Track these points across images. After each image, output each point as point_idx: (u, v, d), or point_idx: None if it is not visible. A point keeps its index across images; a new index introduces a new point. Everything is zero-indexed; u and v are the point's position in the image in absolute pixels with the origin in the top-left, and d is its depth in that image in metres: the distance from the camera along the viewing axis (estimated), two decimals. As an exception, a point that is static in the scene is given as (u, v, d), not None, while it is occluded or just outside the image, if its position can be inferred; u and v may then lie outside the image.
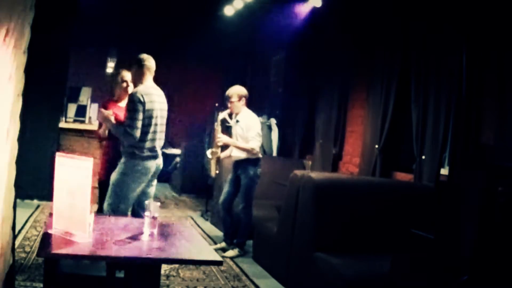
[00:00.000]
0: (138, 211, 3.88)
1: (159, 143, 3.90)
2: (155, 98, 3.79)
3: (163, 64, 9.28)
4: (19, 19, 2.42)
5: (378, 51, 5.38)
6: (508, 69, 3.71)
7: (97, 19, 8.09)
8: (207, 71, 10.31)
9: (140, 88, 3.77)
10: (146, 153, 3.77)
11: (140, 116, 3.68)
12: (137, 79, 3.86)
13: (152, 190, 4.00)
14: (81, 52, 8.44)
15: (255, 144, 4.78)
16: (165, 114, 3.97)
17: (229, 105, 4.90)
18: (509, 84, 3.69)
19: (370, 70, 5.53)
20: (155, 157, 3.86)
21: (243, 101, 4.89)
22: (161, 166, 3.96)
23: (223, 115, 4.95)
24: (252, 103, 8.30)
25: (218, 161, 5.12)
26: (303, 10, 6.88)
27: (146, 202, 3.89)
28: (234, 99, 4.85)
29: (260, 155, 4.93)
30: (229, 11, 7.62)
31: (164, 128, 3.96)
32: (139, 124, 3.68)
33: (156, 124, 3.81)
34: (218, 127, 4.95)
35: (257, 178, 4.88)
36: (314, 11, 6.63)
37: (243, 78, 9.34)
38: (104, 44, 9.30)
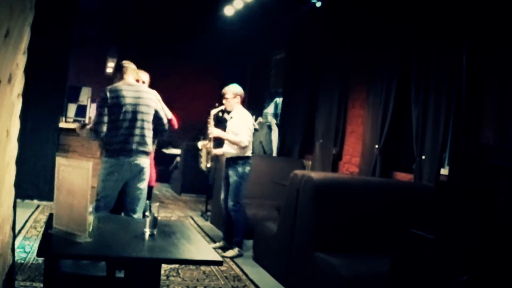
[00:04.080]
0: (130, 215, 3.88)
1: (136, 139, 3.81)
2: (123, 94, 3.78)
3: (162, 64, 9.43)
4: (19, 19, 2.42)
5: (378, 51, 5.38)
6: (508, 69, 3.71)
7: (97, 18, 8.11)
8: (206, 71, 10.32)
9: (110, 85, 3.87)
10: (115, 148, 3.76)
11: (105, 111, 3.74)
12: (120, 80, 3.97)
13: (140, 193, 3.90)
14: (81, 52, 8.45)
15: (244, 137, 4.82)
16: (144, 109, 3.84)
17: (223, 101, 5.04)
18: (509, 84, 3.69)
19: (370, 70, 5.53)
20: (128, 154, 3.78)
21: (238, 99, 5.01)
22: (142, 166, 3.85)
23: (215, 110, 5.12)
24: (252, 103, 8.37)
25: (209, 154, 5.22)
26: (303, 10, 6.88)
27: (138, 205, 3.93)
28: (229, 96, 5.00)
29: (249, 153, 4.96)
30: (229, 11, 7.62)
31: (144, 125, 3.85)
32: (105, 119, 3.73)
33: (125, 120, 3.76)
34: (211, 120, 5.07)
35: (246, 176, 4.90)
36: (314, 11, 6.63)
37: (243, 78, 9.34)
38: (104, 44, 9.31)
